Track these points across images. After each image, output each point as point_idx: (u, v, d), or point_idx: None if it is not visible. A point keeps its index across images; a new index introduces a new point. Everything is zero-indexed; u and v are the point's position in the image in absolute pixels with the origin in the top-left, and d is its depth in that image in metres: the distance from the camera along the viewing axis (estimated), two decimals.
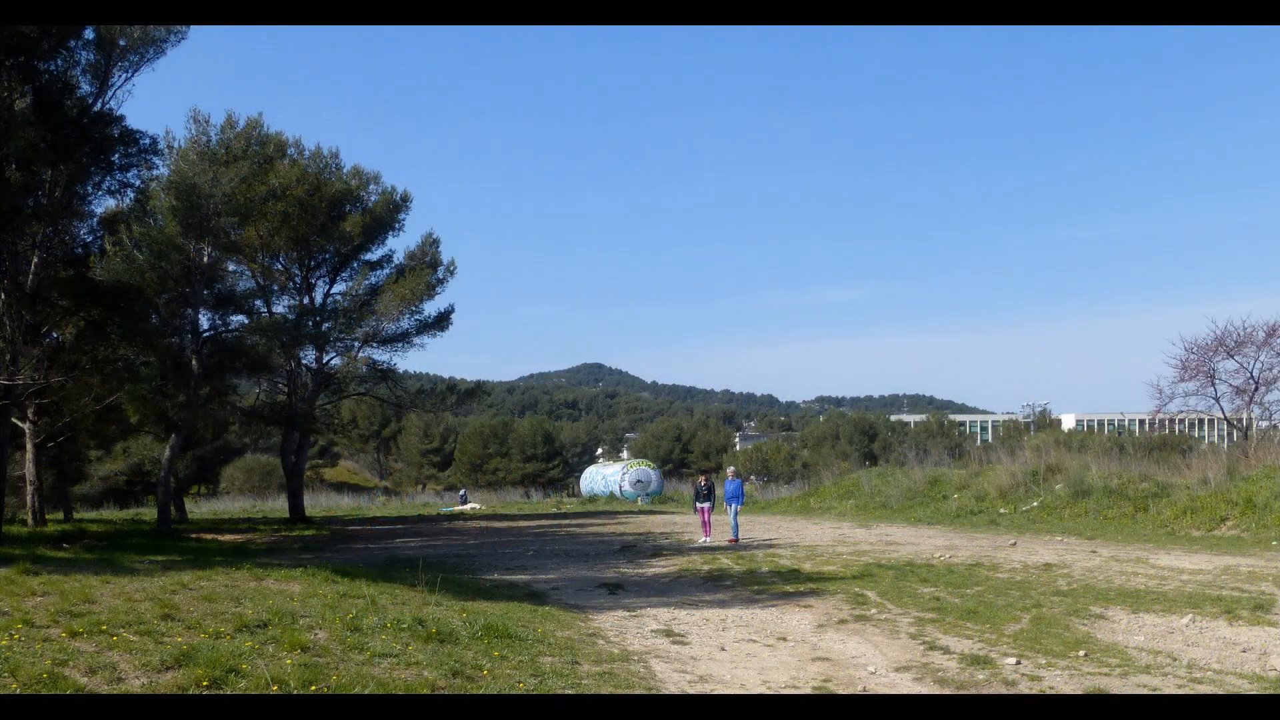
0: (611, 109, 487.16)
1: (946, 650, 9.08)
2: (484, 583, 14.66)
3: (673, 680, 7.93)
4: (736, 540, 21.33)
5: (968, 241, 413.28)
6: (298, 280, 35.37)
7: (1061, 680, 7.83)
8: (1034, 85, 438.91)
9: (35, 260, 20.60)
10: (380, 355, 36.81)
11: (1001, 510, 26.55)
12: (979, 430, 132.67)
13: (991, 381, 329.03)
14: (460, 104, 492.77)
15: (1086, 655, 8.74)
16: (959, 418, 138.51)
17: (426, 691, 6.78)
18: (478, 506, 47.11)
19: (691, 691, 7.54)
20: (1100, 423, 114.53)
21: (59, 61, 19.76)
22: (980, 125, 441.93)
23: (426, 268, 35.22)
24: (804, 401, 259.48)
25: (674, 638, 9.98)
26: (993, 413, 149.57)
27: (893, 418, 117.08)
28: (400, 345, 36.12)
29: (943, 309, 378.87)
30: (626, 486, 51.32)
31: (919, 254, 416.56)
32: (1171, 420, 35.23)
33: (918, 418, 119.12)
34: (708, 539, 21.64)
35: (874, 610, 11.48)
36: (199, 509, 46.49)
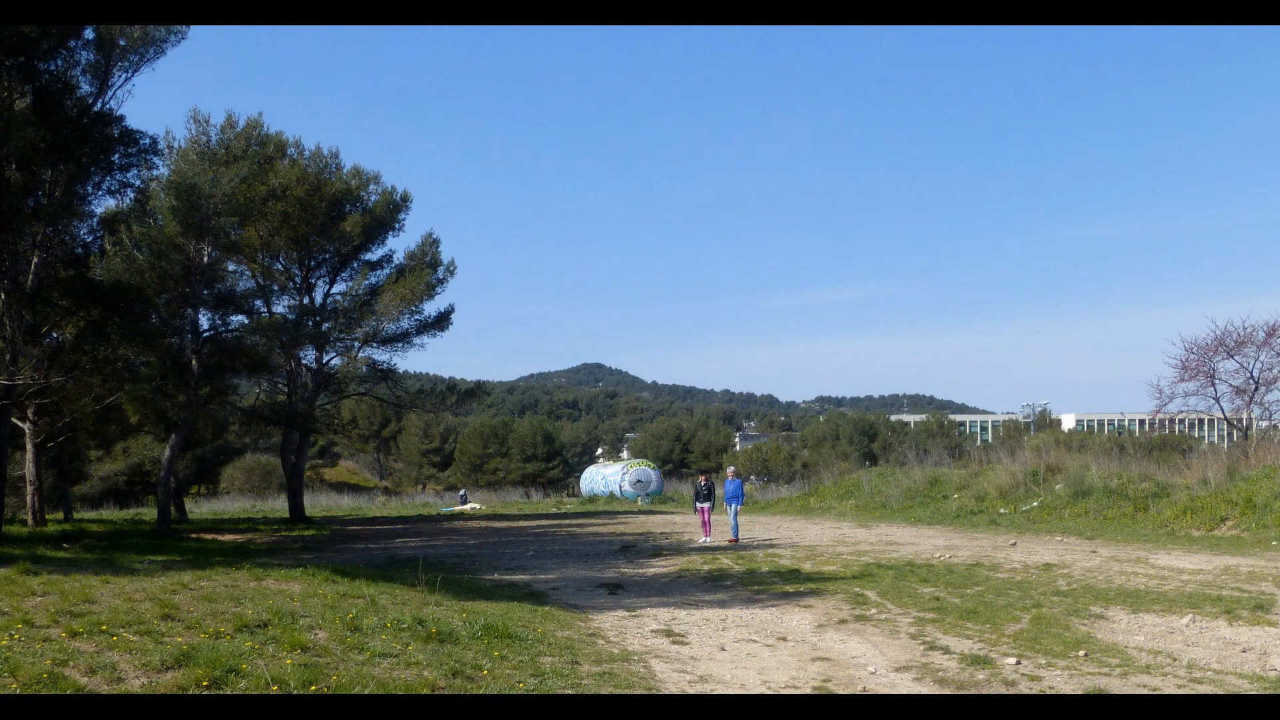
0: (611, 108, 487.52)
1: (946, 650, 9.08)
2: (484, 583, 14.66)
3: (673, 680, 7.93)
4: (736, 540, 21.34)
5: (968, 241, 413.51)
6: (298, 280, 35.38)
7: (1061, 680, 7.83)
8: (1033, 85, 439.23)
9: (35, 260, 20.60)
10: (380, 355, 36.85)
11: (1001, 510, 26.54)
12: (979, 430, 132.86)
13: (991, 381, 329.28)
14: (460, 104, 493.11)
15: (1086, 655, 8.74)
16: (959, 418, 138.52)
17: (426, 691, 6.78)
18: (478, 506, 47.12)
19: (691, 691, 7.54)
20: (1100, 423, 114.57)
21: (59, 61, 19.75)
22: (980, 125, 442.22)
23: (426, 268, 35.23)
24: (804, 401, 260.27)
25: (674, 638, 9.98)
26: (993, 413, 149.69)
27: (893, 418, 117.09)
28: (400, 345, 36.16)
29: (943, 309, 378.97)
30: (626, 486, 51.33)
31: (919, 254, 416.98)
32: (1171, 420, 35.19)
33: (918, 418, 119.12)
34: (708, 539, 21.65)
35: (874, 610, 11.48)
36: (199, 509, 46.49)
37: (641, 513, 38.49)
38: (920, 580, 13.91)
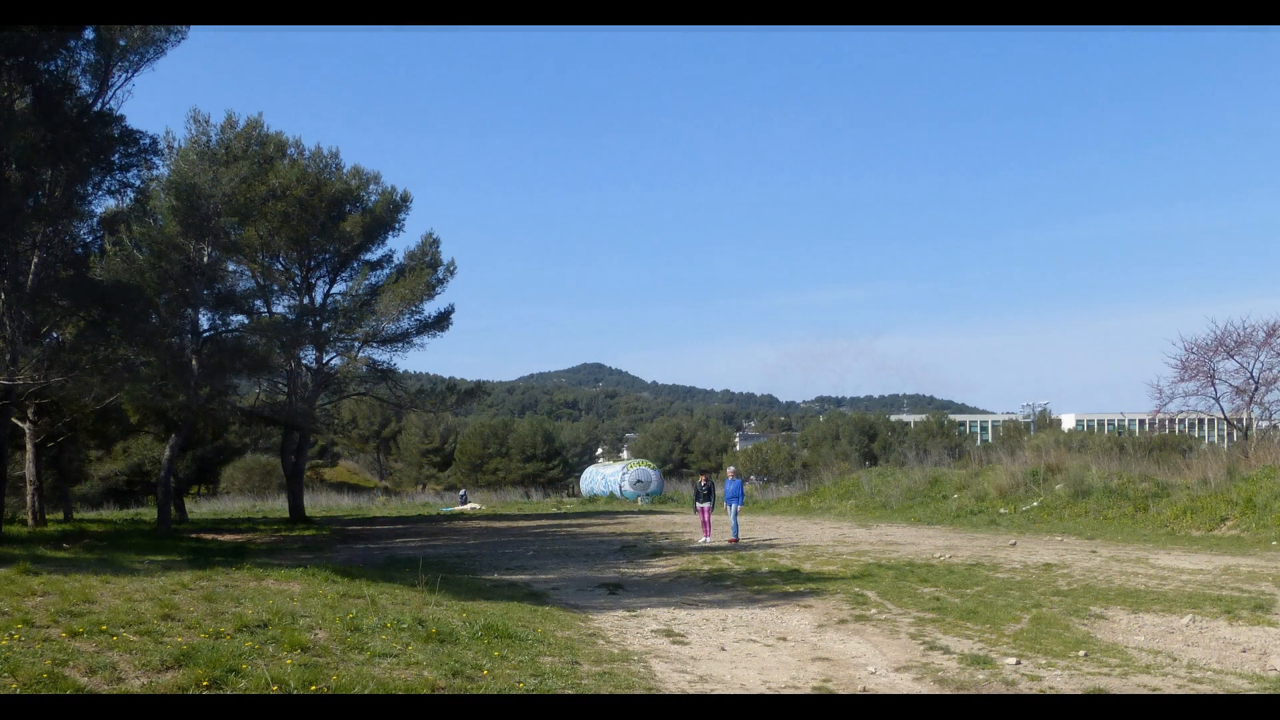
0: (614, 110, 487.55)
1: (946, 650, 9.08)
2: (484, 583, 14.66)
3: (673, 680, 7.93)
4: (736, 540, 21.35)
5: (968, 242, 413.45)
6: (298, 280, 35.37)
7: (1061, 680, 7.83)
8: (1035, 86, 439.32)
9: (35, 260, 20.57)
10: (380, 355, 36.85)
11: (1001, 510, 26.53)
12: (979, 430, 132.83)
13: (991, 382, 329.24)
14: (461, 104, 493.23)
15: (1086, 655, 8.74)
16: (959, 418, 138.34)
17: (426, 691, 6.78)
18: (478, 506, 47.12)
19: (692, 691, 7.54)
20: (1100, 423, 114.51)
21: (59, 61, 19.71)
22: (980, 126, 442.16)
23: (427, 268, 35.23)
24: (804, 402, 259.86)
25: (674, 638, 9.98)
26: (993, 413, 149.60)
27: (893, 418, 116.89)
28: (400, 345, 36.17)
29: (943, 309, 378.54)
30: (626, 486, 51.33)
31: (919, 254, 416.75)
32: (1171, 420, 35.12)
33: (918, 418, 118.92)
34: (708, 539, 21.66)
35: (874, 610, 11.49)
36: (200, 509, 46.50)
37: (641, 513, 38.50)
38: (920, 580, 13.91)
